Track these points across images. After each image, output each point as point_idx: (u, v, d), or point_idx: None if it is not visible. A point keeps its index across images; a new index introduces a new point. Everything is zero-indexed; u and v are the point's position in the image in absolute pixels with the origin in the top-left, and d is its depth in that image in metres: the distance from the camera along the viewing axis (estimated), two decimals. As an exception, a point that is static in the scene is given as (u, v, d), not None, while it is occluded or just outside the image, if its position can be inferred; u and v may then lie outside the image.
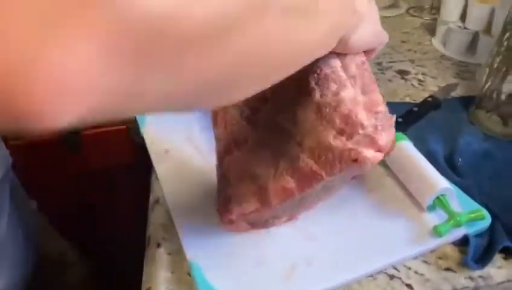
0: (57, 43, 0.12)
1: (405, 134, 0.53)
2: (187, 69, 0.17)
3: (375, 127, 0.32)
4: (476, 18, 0.73)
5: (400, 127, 0.56)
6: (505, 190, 0.48)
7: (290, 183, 0.35)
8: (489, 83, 0.56)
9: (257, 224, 0.41)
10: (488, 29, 0.73)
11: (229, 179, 0.40)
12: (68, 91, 0.12)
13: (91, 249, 0.64)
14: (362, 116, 0.32)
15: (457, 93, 0.66)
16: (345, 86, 0.33)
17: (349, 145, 0.31)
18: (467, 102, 0.62)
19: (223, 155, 0.41)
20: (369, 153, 0.31)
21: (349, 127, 0.32)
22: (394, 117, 0.34)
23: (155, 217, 0.45)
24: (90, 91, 0.13)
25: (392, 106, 0.60)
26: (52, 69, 0.12)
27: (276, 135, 0.37)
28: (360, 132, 0.32)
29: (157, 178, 0.48)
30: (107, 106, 0.14)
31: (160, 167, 0.49)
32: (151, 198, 0.47)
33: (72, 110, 0.13)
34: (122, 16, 0.13)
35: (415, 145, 0.49)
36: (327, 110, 0.33)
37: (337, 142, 0.32)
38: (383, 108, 0.33)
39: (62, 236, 0.61)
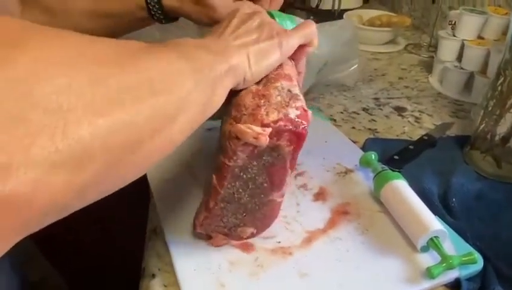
0: None
1: (400, 171, 0.54)
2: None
3: (258, 105, 0.35)
4: (472, 59, 0.76)
5: (396, 164, 0.57)
6: (496, 233, 0.48)
7: (214, 180, 0.39)
8: (483, 125, 0.57)
9: (231, 236, 0.43)
10: (483, 70, 0.75)
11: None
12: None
13: (79, 277, 0.63)
14: (247, 99, 0.36)
15: (452, 132, 0.67)
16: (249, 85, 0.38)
17: (236, 124, 0.35)
18: (461, 141, 0.63)
19: None
20: (246, 127, 0.34)
21: (238, 112, 0.36)
22: (299, 100, 0.37)
23: (151, 247, 0.45)
24: None
25: (388, 143, 0.62)
26: None
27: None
28: (244, 112, 0.36)
29: (155, 207, 0.49)
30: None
31: (159, 196, 0.50)
32: (149, 227, 0.48)
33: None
34: None
35: (410, 183, 0.50)
36: (230, 107, 0.38)
37: (228, 126, 0.36)
38: (271, 92, 0.37)
39: (48, 260, 0.61)
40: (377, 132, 0.66)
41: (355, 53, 0.76)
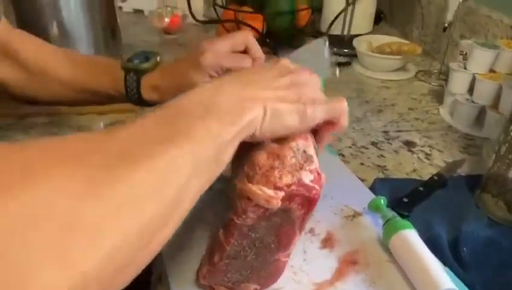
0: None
1: (410, 215, 0.54)
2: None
3: (272, 167, 0.34)
4: (483, 93, 0.75)
5: (405, 207, 0.56)
6: (506, 281, 0.47)
7: (221, 236, 0.38)
8: (495, 168, 0.56)
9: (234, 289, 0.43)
10: (495, 105, 0.74)
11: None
12: None
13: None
14: (261, 158, 0.35)
15: (463, 170, 0.66)
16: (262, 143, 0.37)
17: (248, 184, 0.34)
18: (472, 182, 0.62)
19: None
20: (258, 189, 0.33)
21: (251, 170, 0.35)
22: (313, 162, 0.36)
23: (156, 296, 0.45)
24: None
25: (397, 183, 0.61)
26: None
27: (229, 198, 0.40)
28: (258, 171, 0.35)
29: (160, 253, 0.48)
30: None
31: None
32: (154, 275, 0.47)
33: None
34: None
35: (420, 229, 0.49)
36: (242, 160, 0.37)
37: (240, 183, 0.35)
38: (286, 153, 0.35)
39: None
40: (386, 169, 0.66)
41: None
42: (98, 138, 0.25)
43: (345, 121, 0.38)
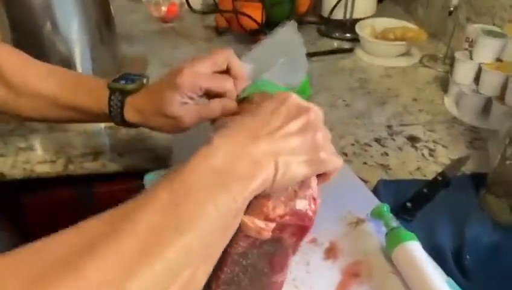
0: None
1: (411, 221, 0.53)
2: None
3: (266, 197, 0.33)
4: (489, 84, 0.73)
5: (409, 213, 0.55)
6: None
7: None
8: (501, 169, 0.55)
9: None
10: (501, 96, 0.72)
11: None
12: None
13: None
14: None
15: (468, 167, 0.65)
16: None
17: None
18: (477, 181, 0.61)
19: None
20: (249, 221, 0.33)
21: None
22: (310, 186, 0.36)
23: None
24: None
25: (401, 185, 0.61)
26: None
27: None
28: (253, 201, 0.33)
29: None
30: None
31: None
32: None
33: None
34: None
35: (423, 235, 0.49)
36: None
37: None
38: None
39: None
40: (389, 169, 0.65)
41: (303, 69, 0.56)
42: (99, 230, 0.25)
43: (333, 176, 0.39)
